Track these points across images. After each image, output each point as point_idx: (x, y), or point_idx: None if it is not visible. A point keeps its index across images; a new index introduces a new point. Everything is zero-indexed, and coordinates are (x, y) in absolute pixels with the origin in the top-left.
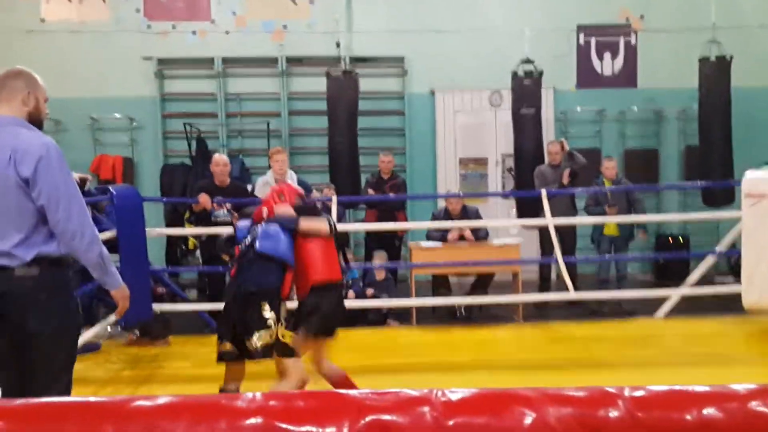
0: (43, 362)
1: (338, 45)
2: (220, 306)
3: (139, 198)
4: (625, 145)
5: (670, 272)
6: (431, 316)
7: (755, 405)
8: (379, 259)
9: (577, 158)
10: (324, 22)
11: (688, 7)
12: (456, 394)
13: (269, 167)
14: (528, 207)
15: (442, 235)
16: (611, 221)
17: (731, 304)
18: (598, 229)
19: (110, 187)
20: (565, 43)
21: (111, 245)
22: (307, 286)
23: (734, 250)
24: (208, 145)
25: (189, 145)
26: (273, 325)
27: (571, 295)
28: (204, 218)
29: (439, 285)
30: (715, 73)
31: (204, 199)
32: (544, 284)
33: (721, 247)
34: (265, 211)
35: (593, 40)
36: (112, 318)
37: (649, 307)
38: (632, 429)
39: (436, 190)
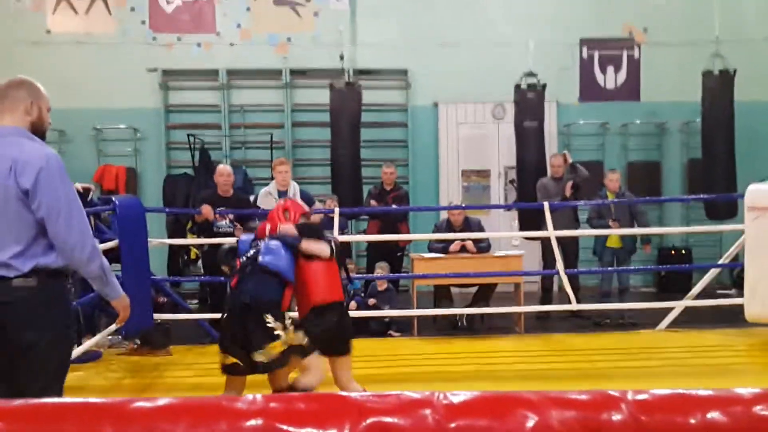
0: (35, 372)
1: (342, 57)
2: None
3: (141, 208)
4: (628, 158)
5: (672, 284)
6: (433, 326)
7: (759, 409)
8: (381, 270)
9: (580, 171)
10: (328, 35)
11: (691, 21)
12: (458, 397)
13: (272, 178)
14: (530, 220)
15: (444, 247)
16: (614, 233)
17: (733, 317)
18: (600, 241)
19: (113, 197)
20: (568, 56)
21: (113, 255)
22: (307, 307)
23: (737, 263)
24: (212, 156)
25: (192, 155)
26: (281, 332)
27: (573, 306)
28: (206, 229)
29: (441, 296)
30: (719, 87)
31: (207, 209)
32: (546, 296)
33: (724, 260)
34: (268, 227)
35: (596, 54)
36: (113, 327)
37: (651, 319)
38: None
39: (438, 201)
